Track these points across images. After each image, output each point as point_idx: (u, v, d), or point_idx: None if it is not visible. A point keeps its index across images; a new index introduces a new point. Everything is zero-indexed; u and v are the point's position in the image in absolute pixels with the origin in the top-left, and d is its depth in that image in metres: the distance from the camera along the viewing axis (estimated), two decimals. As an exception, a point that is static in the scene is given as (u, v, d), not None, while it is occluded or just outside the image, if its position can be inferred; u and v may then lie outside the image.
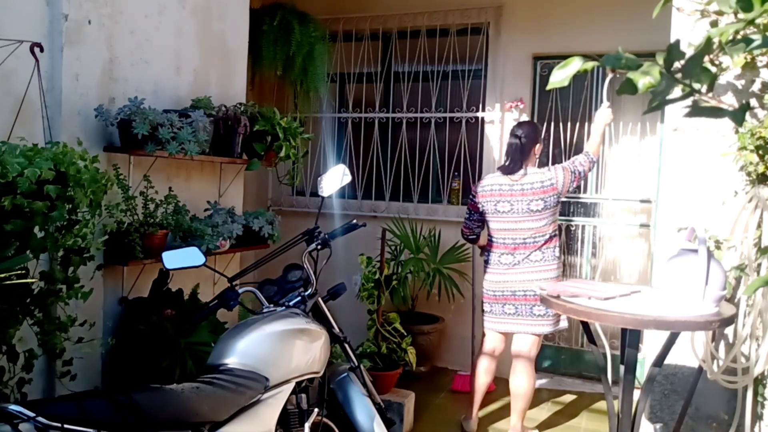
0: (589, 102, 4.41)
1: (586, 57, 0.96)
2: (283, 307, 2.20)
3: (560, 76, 0.97)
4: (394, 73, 4.97)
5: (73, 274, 2.03)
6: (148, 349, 2.46)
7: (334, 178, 2.44)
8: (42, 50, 2.22)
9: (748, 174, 2.41)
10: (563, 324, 3.32)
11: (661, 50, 0.90)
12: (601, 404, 3.97)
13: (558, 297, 2.24)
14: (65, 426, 1.37)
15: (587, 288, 2.31)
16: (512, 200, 3.22)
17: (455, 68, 4.72)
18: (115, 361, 2.57)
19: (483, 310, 3.41)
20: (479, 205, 3.35)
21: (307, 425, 2.09)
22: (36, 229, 1.79)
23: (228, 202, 3.32)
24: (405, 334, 3.84)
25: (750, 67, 2.41)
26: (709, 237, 2.44)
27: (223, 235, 2.92)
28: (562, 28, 4.35)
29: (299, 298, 2.27)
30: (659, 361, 2.29)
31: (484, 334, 3.47)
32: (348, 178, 2.44)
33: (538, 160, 3.46)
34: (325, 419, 2.25)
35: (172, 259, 2.13)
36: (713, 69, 2.34)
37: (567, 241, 4.48)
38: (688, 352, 2.51)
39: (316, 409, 2.16)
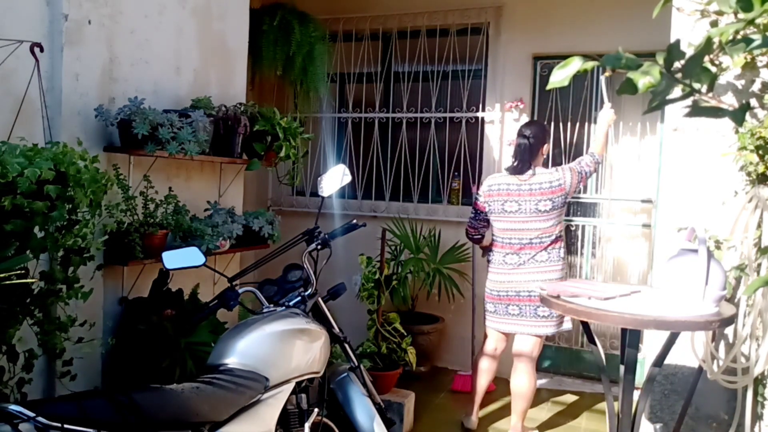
0: (589, 102, 4.41)
1: (586, 57, 0.96)
2: (283, 307, 2.20)
3: (560, 76, 0.97)
4: (394, 73, 4.96)
5: (73, 274, 2.03)
6: (148, 349, 2.46)
7: (334, 178, 2.44)
8: (42, 50, 2.22)
9: (748, 174, 2.41)
10: (566, 326, 3.32)
11: (661, 50, 0.90)
12: (601, 404, 3.97)
13: (558, 297, 2.24)
14: (65, 426, 1.37)
15: (587, 288, 2.31)
16: (520, 200, 3.21)
17: (455, 68, 4.72)
18: (115, 361, 2.57)
19: (485, 310, 3.40)
20: (485, 205, 3.34)
21: (307, 425, 2.09)
22: (36, 229, 1.79)
23: (228, 202, 3.32)
24: (405, 334, 3.84)
25: (750, 67, 2.41)
26: (709, 237, 2.44)
27: (223, 235, 2.92)
28: (562, 28, 4.35)
29: (299, 298, 2.27)
30: (659, 361, 2.29)
31: (486, 335, 3.47)
32: (348, 178, 2.44)
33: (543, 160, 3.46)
34: (325, 419, 2.25)
35: (172, 259, 2.13)
36: (713, 69, 2.34)
37: (567, 241, 4.48)
38: (688, 352, 2.51)
39: (316, 409, 2.17)
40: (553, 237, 3.21)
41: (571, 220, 4.47)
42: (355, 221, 2.45)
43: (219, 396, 1.75)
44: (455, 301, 4.45)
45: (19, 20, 2.24)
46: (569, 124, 4.46)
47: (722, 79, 2.47)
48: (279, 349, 1.99)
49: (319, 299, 2.35)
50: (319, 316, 2.33)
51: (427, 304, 4.61)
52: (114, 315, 2.64)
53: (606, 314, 2.05)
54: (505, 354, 3.46)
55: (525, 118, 4.45)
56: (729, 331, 2.51)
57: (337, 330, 2.37)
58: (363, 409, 2.33)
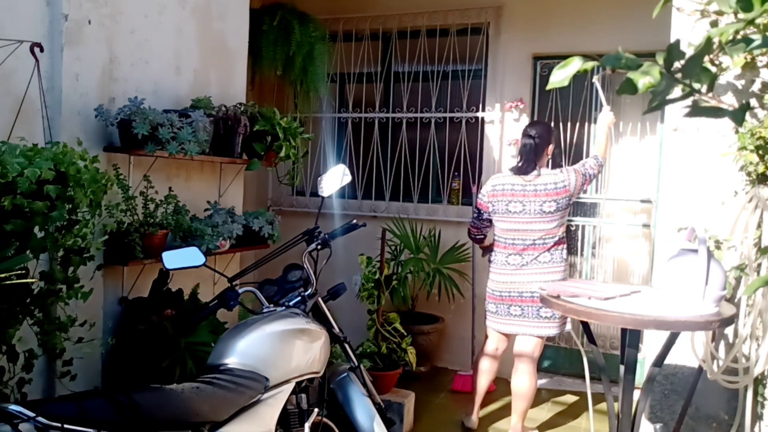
0: (588, 102, 4.41)
1: (586, 57, 0.96)
2: (283, 307, 2.20)
3: (560, 76, 0.97)
4: (394, 73, 4.96)
5: (73, 274, 2.03)
6: (148, 349, 2.46)
7: (334, 178, 2.44)
8: (42, 50, 2.22)
9: (748, 174, 2.41)
10: (566, 326, 3.32)
11: (661, 50, 0.90)
12: (602, 404, 3.96)
13: (558, 297, 2.24)
14: (65, 426, 1.37)
15: (587, 288, 2.32)
16: (525, 201, 3.20)
17: (455, 68, 4.72)
18: (115, 361, 2.57)
19: (487, 310, 3.40)
20: (489, 205, 3.33)
21: (307, 425, 2.09)
22: (36, 229, 1.79)
23: (228, 202, 3.32)
24: (405, 334, 3.84)
25: (750, 67, 2.41)
26: (709, 237, 2.44)
27: (223, 235, 2.92)
28: (562, 28, 4.35)
29: (299, 298, 2.27)
30: (659, 361, 2.29)
31: (486, 336, 3.47)
32: (348, 178, 2.44)
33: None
34: (325, 419, 2.25)
35: (172, 259, 2.13)
36: (713, 69, 2.35)
37: (568, 241, 4.47)
38: (688, 352, 2.51)
39: (316, 409, 2.16)
40: (557, 238, 3.21)
41: (571, 220, 4.46)
42: (355, 221, 2.45)
43: (219, 396, 1.75)
44: (455, 301, 4.45)
45: (19, 20, 2.24)
46: (569, 124, 4.46)
47: (722, 79, 2.47)
48: (279, 349, 1.99)
49: (319, 299, 2.35)
50: (319, 316, 2.33)
51: (427, 304, 4.61)
52: (114, 315, 2.64)
53: (606, 314, 2.05)
54: (506, 354, 3.46)
55: (525, 118, 4.45)
56: (729, 331, 2.51)
57: (337, 330, 2.37)
58: (363, 409, 2.33)
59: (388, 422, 2.40)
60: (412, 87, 4.84)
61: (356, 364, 2.43)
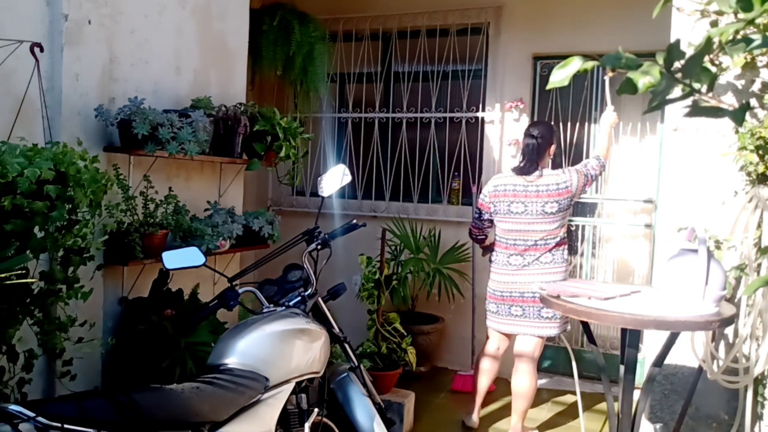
0: (589, 102, 4.41)
1: (586, 57, 0.96)
2: (283, 307, 2.20)
3: (560, 76, 0.97)
4: (394, 73, 4.96)
5: (73, 274, 2.03)
6: (148, 349, 2.46)
7: (334, 178, 2.44)
8: (42, 50, 2.22)
9: (748, 174, 2.41)
10: (568, 327, 3.32)
11: (661, 50, 0.90)
12: (602, 404, 3.97)
13: (558, 297, 2.24)
14: (65, 426, 1.37)
15: (587, 288, 2.31)
16: (526, 201, 3.19)
17: (455, 68, 4.71)
18: (115, 361, 2.57)
19: (487, 310, 3.39)
20: (491, 205, 3.33)
21: (307, 425, 2.09)
22: (36, 229, 1.79)
23: (228, 202, 3.32)
24: (405, 334, 3.84)
25: (750, 67, 2.41)
26: (709, 237, 2.44)
27: (223, 235, 2.92)
28: (562, 28, 4.35)
29: (299, 298, 2.27)
30: (659, 361, 2.29)
31: (487, 336, 3.47)
32: (348, 178, 2.44)
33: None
34: (325, 419, 2.25)
35: (172, 259, 2.13)
36: (713, 69, 2.35)
37: (568, 241, 4.48)
38: (688, 352, 2.51)
39: (316, 409, 2.16)
40: (558, 239, 3.21)
41: (571, 221, 4.46)
42: (355, 221, 2.45)
43: (219, 396, 1.75)
44: (455, 301, 4.45)
45: (19, 20, 2.24)
46: (569, 124, 4.46)
47: (722, 79, 2.47)
48: (279, 349, 1.99)
49: (319, 299, 2.35)
50: (319, 316, 2.33)
51: (427, 304, 4.61)
52: (114, 315, 2.64)
53: (606, 314, 2.05)
54: (506, 354, 3.46)
55: (525, 118, 4.45)
56: (729, 331, 2.51)
57: (337, 330, 2.37)
58: (363, 409, 2.33)
59: (388, 422, 2.40)
60: (412, 87, 4.84)
61: (356, 364, 2.43)
